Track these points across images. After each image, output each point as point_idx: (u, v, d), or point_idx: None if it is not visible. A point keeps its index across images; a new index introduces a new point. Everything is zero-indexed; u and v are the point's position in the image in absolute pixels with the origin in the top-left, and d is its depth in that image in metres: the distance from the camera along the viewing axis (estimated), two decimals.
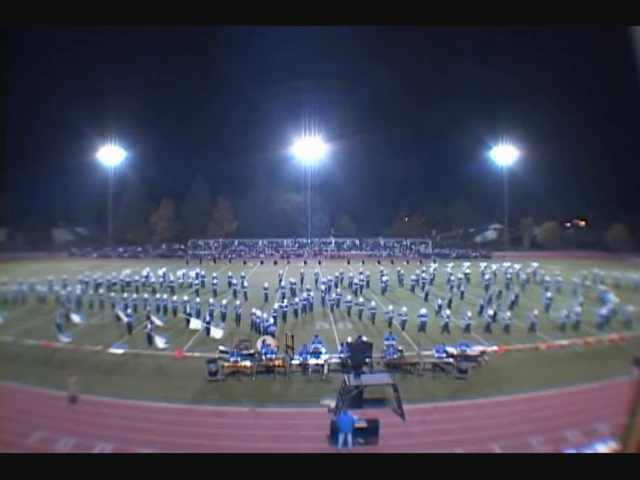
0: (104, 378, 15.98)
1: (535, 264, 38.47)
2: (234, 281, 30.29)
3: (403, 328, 21.78)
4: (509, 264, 38.79)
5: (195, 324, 21.54)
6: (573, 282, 31.90)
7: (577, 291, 30.07)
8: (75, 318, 22.67)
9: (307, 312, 25.25)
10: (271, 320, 20.89)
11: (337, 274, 33.51)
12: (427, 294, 28.56)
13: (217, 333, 20.14)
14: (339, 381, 14.20)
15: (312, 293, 26.75)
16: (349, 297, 25.89)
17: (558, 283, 32.09)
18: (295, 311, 24.56)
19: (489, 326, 21.76)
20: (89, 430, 12.13)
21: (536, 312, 22.54)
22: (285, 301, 24.96)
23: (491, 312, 22.49)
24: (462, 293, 29.45)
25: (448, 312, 22.25)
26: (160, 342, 19.02)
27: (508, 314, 22.28)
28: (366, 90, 67.38)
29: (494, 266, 39.50)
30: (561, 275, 34.21)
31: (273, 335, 19.60)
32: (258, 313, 21.72)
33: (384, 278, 31.73)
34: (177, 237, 65.30)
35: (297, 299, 25.97)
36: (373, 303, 24.18)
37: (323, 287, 28.68)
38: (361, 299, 24.99)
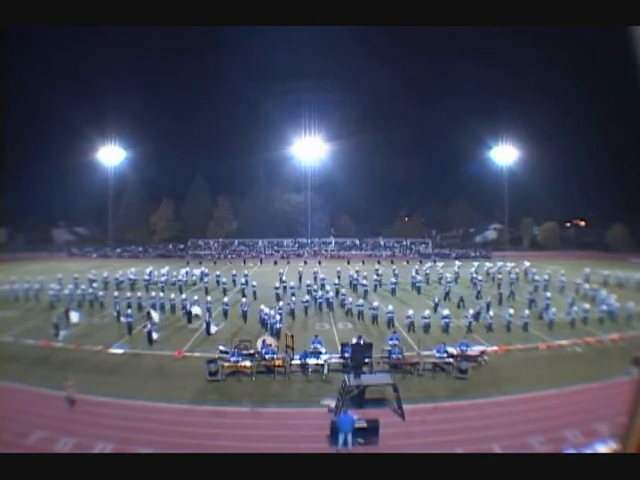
0: (104, 378, 15.97)
1: (527, 263, 38.59)
2: (242, 280, 30.39)
3: (426, 330, 21.36)
4: (502, 263, 39.53)
5: (196, 310, 22.70)
6: (561, 280, 32.15)
7: (565, 289, 30.21)
8: (74, 317, 22.73)
9: (324, 310, 25.52)
10: (277, 317, 21.08)
11: (352, 274, 33.26)
12: (447, 294, 28.48)
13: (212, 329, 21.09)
14: (339, 381, 14.20)
15: (331, 293, 26.78)
16: (361, 301, 25.05)
17: (546, 282, 32.22)
18: (305, 309, 24.83)
19: (509, 325, 21.91)
20: (89, 430, 12.12)
21: (554, 310, 22.93)
22: (293, 298, 25.10)
23: (512, 311, 22.50)
24: (478, 292, 29.26)
25: (471, 312, 22.24)
26: (154, 334, 19.59)
27: (527, 312, 22.51)
28: (366, 90, 67.49)
29: (488, 264, 40.16)
30: (550, 274, 34.35)
31: (279, 332, 19.87)
32: (266, 310, 22.11)
33: (392, 279, 31.54)
34: (177, 237, 65.31)
35: (307, 297, 26.11)
36: (391, 307, 23.03)
37: (328, 288, 28.50)
38: (375, 303, 23.99)
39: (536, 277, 33.26)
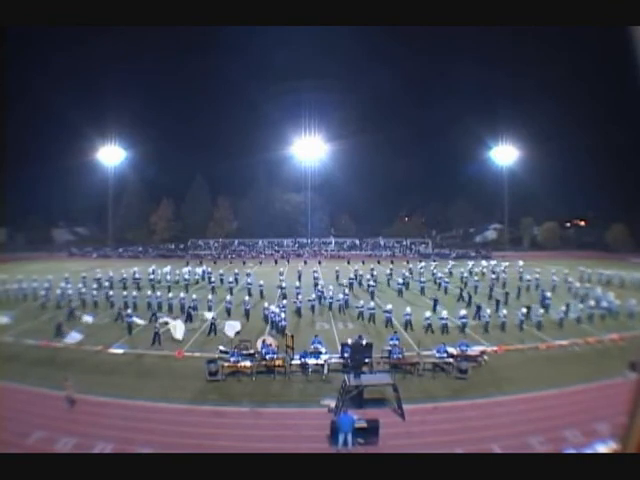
0: (104, 378, 15.97)
1: (521, 262, 38.78)
2: (248, 280, 30.63)
3: (444, 332, 21.04)
4: (495, 262, 40.32)
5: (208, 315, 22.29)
6: (552, 280, 32.26)
7: (555, 288, 30.29)
8: (87, 318, 22.53)
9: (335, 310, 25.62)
10: (282, 315, 21.33)
11: (351, 275, 33.14)
12: (462, 294, 28.38)
13: (230, 329, 19.86)
14: (339, 381, 14.20)
15: (341, 295, 26.30)
16: (372, 304, 24.09)
17: (537, 281, 32.45)
18: (312, 307, 25.15)
19: (522, 324, 22.10)
20: (89, 430, 12.12)
21: (564, 308, 23.26)
22: (300, 297, 25.27)
23: (524, 310, 22.71)
24: (491, 290, 29.39)
25: (489, 312, 22.37)
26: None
27: (541, 311, 22.82)
28: (366, 90, 67.44)
29: (484, 262, 40.61)
30: (542, 273, 34.64)
31: (284, 329, 20.11)
32: (272, 308, 22.55)
33: (399, 280, 31.35)
34: (177, 237, 65.33)
35: (314, 295, 26.26)
36: (409, 309, 22.38)
37: (332, 287, 28.32)
38: (389, 305, 22.98)
39: (528, 277, 33.36)
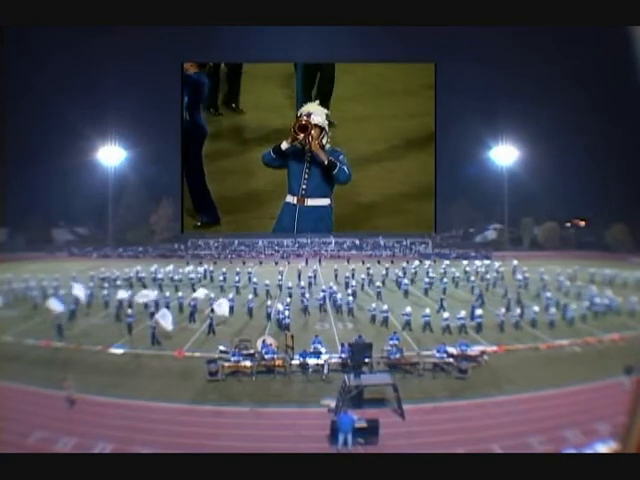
0: (104, 378, 15.96)
1: (515, 262, 38.81)
2: (255, 279, 30.78)
3: (461, 332, 20.95)
4: (489, 262, 41.25)
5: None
6: (544, 279, 32.34)
7: (546, 288, 30.33)
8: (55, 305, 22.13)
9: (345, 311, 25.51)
10: (287, 313, 21.52)
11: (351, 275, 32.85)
12: (481, 295, 28.11)
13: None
14: (339, 381, 14.20)
15: (351, 298, 25.98)
16: (385, 307, 23.07)
17: (526, 280, 32.61)
18: (320, 306, 25.38)
19: (534, 323, 22.31)
20: (89, 430, 12.12)
21: (574, 306, 23.57)
22: (307, 296, 25.43)
23: (536, 309, 22.92)
24: (506, 290, 29.33)
25: (503, 311, 22.51)
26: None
27: (553, 310, 23.00)
28: None
29: (478, 262, 41.02)
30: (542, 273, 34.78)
31: (287, 327, 20.32)
32: (277, 306, 22.95)
33: (405, 280, 31.14)
34: (177, 237, 65.22)
35: (321, 294, 26.38)
36: (428, 310, 22.16)
37: (336, 288, 28.08)
38: (409, 308, 22.37)
39: (519, 276, 33.39)
